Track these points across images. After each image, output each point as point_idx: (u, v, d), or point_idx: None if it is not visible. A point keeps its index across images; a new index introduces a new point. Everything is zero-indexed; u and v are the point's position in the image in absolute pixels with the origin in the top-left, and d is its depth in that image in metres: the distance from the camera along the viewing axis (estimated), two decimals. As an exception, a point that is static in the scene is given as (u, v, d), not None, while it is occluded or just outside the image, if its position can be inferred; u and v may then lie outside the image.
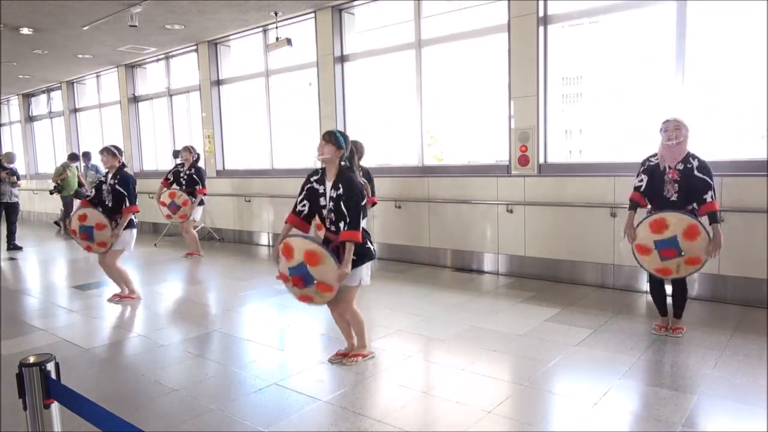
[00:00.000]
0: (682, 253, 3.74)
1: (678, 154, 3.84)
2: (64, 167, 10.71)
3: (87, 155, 11.53)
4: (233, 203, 9.23)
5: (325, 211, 3.53)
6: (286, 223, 3.64)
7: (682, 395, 3.11)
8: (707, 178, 3.74)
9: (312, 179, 3.59)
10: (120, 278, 5.55)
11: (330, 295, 3.44)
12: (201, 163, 8.18)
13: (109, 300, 5.55)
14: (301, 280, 3.47)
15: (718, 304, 4.80)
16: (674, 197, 3.85)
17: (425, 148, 7.05)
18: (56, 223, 12.16)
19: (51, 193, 10.92)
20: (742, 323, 4.28)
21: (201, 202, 7.97)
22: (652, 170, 3.95)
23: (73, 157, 10.92)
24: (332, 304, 3.66)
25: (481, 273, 6.33)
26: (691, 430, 2.73)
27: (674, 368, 3.52)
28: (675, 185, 3.84)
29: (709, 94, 5.69)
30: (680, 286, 4.00)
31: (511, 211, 6.04)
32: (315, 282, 3.42)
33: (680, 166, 3.82)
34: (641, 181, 4.00)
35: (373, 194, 5.77)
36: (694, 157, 3.83)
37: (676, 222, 3.75)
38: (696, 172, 3.77)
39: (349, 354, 3.72)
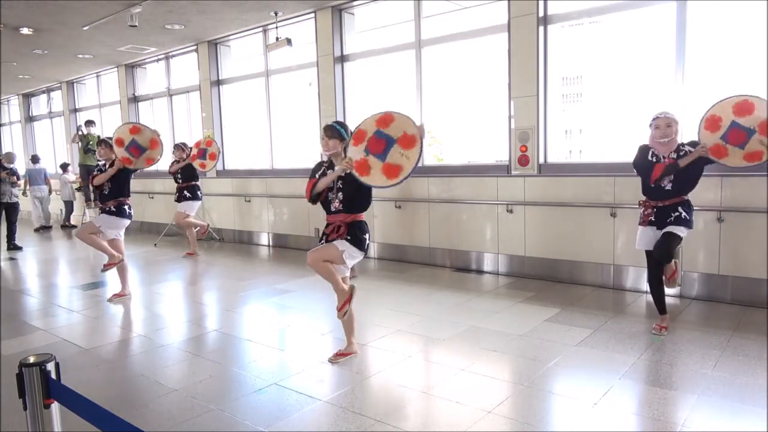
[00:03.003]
0: (754, 128, 3.67)
1: (669, 148, 3.88)
2: (80, 133, 10.74)
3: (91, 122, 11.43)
4: (233, 203, 9.23)
5: (332, 194, 3.64)
6: (309, 187, 3.67)
7: (682, 395, 3.11)
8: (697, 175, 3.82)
9: (324, 166, 3.72)
10: (96, 246, 5.51)
11: (416, 148, 3.40)
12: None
13: (109, 300, 5.56)
14: (382, 142, 3.47)
15: (718, 304, 4.80)
16: (668, 186, 3.87)
17: (425, 148, 7.04)
18: (63, 226, 12.09)
19: (86, 151, 10.74)
20: (742, 323, 4.28)
21: (196, 197, 7.92)
22: (648, 161, 3.94)
23: (88, 123, 10.94)
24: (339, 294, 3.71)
25: (481, 273, 6.33)
26: (691, 430, 2.73)
27: (674, 368, 3.52)
28: (670, 175, 3.85)
29: (709, 94, 5.68)
30: (664, 253, 3.85)
31: (511, 211, 6.04)
32: (395, 140, 3.46)
33: (674, 155, 3.85)
34: (653, 157, 3.91)
35: None
36: (684, 144, 3.87)
37: (722, 109, 3.75)
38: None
39: (338, 308, 3.72)
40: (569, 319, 4.50)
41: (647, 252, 4.07)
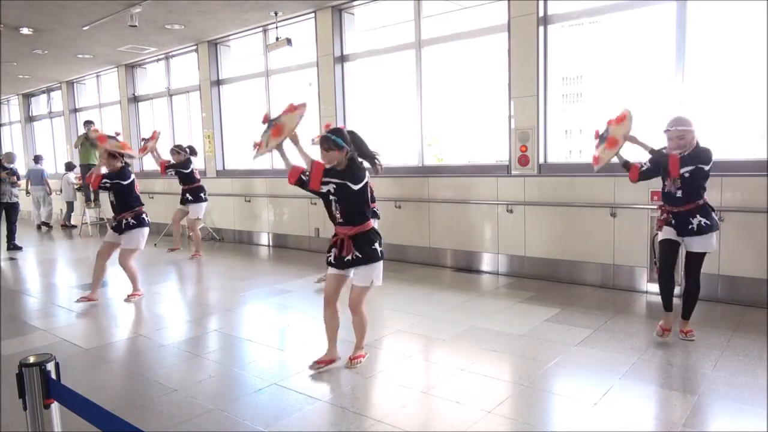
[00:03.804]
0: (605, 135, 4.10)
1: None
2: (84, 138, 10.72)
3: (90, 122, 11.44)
4: (233, 203, 9.23)
5: (333, 207, 3.50)
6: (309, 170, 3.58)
7: (682, 395, 3.11)
8: (702, 179, 3.78)
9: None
10: (133, 277, 5.61)
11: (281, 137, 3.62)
12: (195, 163, 8.07)
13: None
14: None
15: (718, 304, 4.80)
16: (678, 194, 3.84)
17: (425, 148, 7.05)
18: (63, 226, 12.08)
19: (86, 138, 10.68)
20: (742, 323, 4.28)
21: (200, 199, 7.87)
22: (657, 159, 3.89)
23: (87, 123, 10.94)
24: (328, 302, 3.61)
25: (481, 273, 6.33)
26: (691, 430, 2.73)
27: (674, 368, 3.52)
28: (677, 182, 3.82)
29: (709, 94, 5.69)
30: (694, 284, 3.92)
31: (511, 211, 6.04)
32: (273, 124, 3.83)
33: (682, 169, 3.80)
34: (644, 165, 4.01)
35: (372, 200, 5.64)
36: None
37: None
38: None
39: (351, 357, 3.68)
40: (569, 319, 4.50)
41: (662, 242, 3.98)
